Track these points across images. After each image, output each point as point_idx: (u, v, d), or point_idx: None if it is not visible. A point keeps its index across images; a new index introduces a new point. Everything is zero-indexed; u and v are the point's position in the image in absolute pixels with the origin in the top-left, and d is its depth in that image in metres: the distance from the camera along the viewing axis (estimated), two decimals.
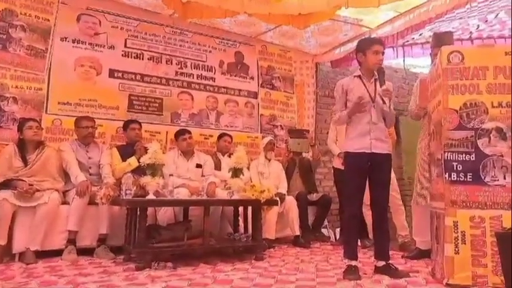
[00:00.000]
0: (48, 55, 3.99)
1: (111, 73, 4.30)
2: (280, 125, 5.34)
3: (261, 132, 5.14)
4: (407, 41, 4.94)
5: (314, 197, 4.58)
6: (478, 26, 4.73)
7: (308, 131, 4.92)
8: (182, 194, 3.54)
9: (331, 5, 3.85)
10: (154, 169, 3.19)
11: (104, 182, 3.47)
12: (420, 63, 5.99)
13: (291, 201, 4.19)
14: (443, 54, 2.43)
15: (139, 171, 3.44)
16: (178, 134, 4.04)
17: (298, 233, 4.11)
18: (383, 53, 2.65)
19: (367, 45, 2.67)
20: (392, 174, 4.15)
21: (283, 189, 4.36)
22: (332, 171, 4.51)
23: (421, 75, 3.25)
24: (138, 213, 3.02)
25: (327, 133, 4.65)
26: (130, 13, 4.45)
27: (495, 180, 2.30)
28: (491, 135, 2.32)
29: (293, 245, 4.06)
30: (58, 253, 3.17)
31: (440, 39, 3.13)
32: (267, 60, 5.35)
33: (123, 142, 4.03)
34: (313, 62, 5.67)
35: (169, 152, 4.12)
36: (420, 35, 4.76)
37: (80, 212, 3.23)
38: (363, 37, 4.49)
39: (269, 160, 4.52)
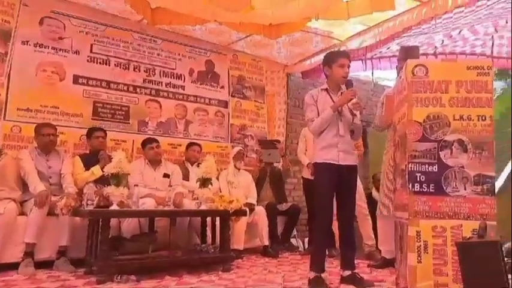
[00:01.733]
0: (8, 59, 3.84)
1: (76, 79, 4.19)
2: (251, 135, 5.36)
3: (231, 142, 5.13)
4: (376, 54, 5.09)
5: (283, 206, 4.60)
6: (443, 41, 4.95)
7: (279, 141, 4.96)
8: (148, 204, 3.48)
9: (302, 16, 3.93)
10: (118, 179, 3.12)
11: (65, 192, 3.35)
12: (388, 75, 6.19)
13: (260, 211, 4.19)
14: (408, 68, 2.50)
15: (103, 181, 3.36)
16: (146, 142, 3.98)
17: (267, 243, 4.11)
18: (349, 66, 2.72)
19: (333, 59, 2.73)
20: (359, 185, 4.24)
21: (253, 199, 4.36)
22: (302, 181, 4.55)
23: (387, 91, 3.35)
24: (101, 224, 2.93)
25: (297, 143, 4.70)
26: (97, 17, 4.37)
27: (456, 191, 2.37)
28: (453, 147, 2.39)
29: (262, 255, 4.05)
30: (14, 266, 3.02)
31: (407, 53, 3.24)
32: (238, 69, 5.37)
33: (86, 151, 3.92)
34: (284, 72, 5.73)
35: (135, 161, 4.05)
36: (388, 48, 4.92)
37: (38, 223, 3.11)
38: (333, 49, 4.62)
39: (238, 170, 4.52)
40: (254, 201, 4.34)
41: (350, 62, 2.78)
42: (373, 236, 3.98)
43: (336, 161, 2.64)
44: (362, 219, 4.05)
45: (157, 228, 3.40)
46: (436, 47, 5.09)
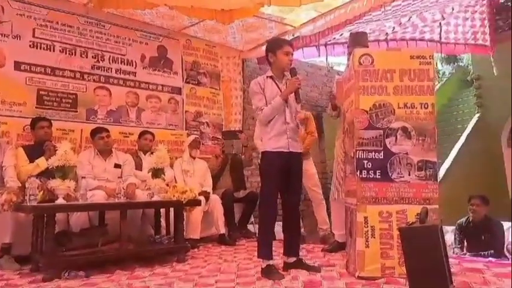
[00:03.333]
0: None
1: (17, 65, 3.89)
2: (206, 122, 5.25)
3: (186, 130, 5.01)
4: (330, 40, 5.10)
5: (241, 193, 4.57)
6: (394, 28, 5.04)
7: (241, 132, 4.90)
8: (97, 196, 3.35)
9: (254, 1, 3.83)
10: (64, 171, 2.98)
11: (6, 186, 3.14)
12: (343, 61, 6.25)
13: (215, 200, 4.14)
14: (355, 57, 2.51)
15: (48, 173, 3.17)
16: (95, 132, 3.80)
17: (223, 231, 4.08)
18: (292, 54, 2.72)
19: (278, 46, 2.71)
20: (314, 170, 4.31)
21: (208, 187, 4.30)
22: (258, 167, 4.52)
23: (337, 77, 3.36)
24: (46, 219, 2.77)
25: (254, 130, 4.67)
26: (39, 0, 4.05)
27: (401, 177, 2.43)
28: (397, 134, 2.45)
29: (218, 244, 4.01)
30: None
31: (356, 40, 3.25)
32: (192, 55, 5.21)
33: (30, 141, 3.69)
34: (239, 58, 5.64)
35: (84, 151, 3.87)
36: (341, 35, 4.94)
37: None
38: (287, 36, 4.58)
39: (194, 158, 4.43)
40: (209, 189, 4.28)
41: (293, 50, 2.77)
42: (327, 220, 4.04)
43: (286, 149, 2.65)
44: (317, 204, 4.11)
45: (108, 220, 3.28)
46: (387, 33, 5.17)
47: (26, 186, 2.90)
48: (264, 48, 5.09)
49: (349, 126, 2.68)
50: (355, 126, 2.48)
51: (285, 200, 2.73)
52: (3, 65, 3.81)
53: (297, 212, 2.77)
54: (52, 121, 3.75)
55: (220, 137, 5.24)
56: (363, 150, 2.45)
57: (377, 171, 2.43)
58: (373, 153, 2.44)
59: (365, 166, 2.44)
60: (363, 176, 2.44)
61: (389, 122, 2.45)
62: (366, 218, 2.40)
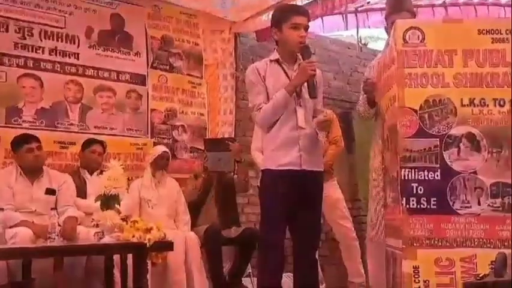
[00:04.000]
0: None
1: None
2: (182, 126, 5.27)
3: (152, 137, 5.03)
4: (362, 6, 5.14)
5: (233, 232, 4.56)
6: None
7: (234, 140, 4.88)
8: (21, 237, 3.35)
9: None
10: None
11: None
12: (381, 35, 6.29)
13: (191, 240, 4.15)
14: (397, 31, 2.52)
15: None
16: (20, 141, 3.80)
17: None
18: (307, 28, 2.76)
19: (283, 18, 2.76)
20: (339, 195, 4.33)
21: (182, 222, 4.32)
22: (258, 193, 4.53)
23: (373, 62, 3.37)
24: None
25: (252, 136, 4.68)
26: None
27: (467, 207, 2.42)
28: (461, 144, 2.45)
29: None
30: None
31: (396, 5, 3.29)
32: (162, 28, 5.25)
33: None
34: (230, 33, 5.67)
35: (1, 171, 3.91)
36: None
37: None
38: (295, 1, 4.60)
39: (158, 182, 4.47)
40: (187, 227, 4.32)
41: (309, 20, 2.81)
42: (362, 270, 4.05)
43: (297, 166, 2.68)
44: (347, 246, 4.13)
45: (37, 273, 3.21)
46: None
47: None
48: (264, 17, 5.27)
49: (389, 133, 2.68)
50: (398, 133, 2.48)
51: (296, 242, 2.76)
52: None
53: (314, 259, 2.80)
54: None
55: (202, 148, 5.25)
56: (411, 167, 2.46)
57: (432, 199, 2.43)
58: (426, 173, 2.45)
59: (414, 191, 2.44)
60: (411, 205, 2.44)
61: (449, 127, 2.46)
62: (416, 267, 2.40)
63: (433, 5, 5.20)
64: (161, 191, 4.42)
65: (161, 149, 4.60)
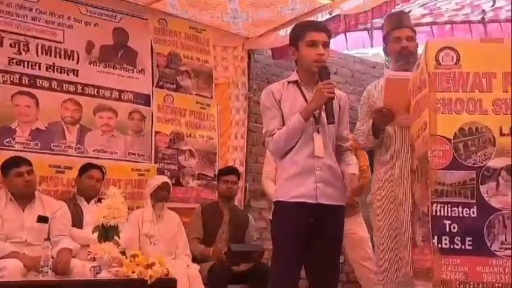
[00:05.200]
0: None
1: None
2: (190, 150, 5.31)
3: (156, 162, 5.07)
4: None
5: (242, 266, 4.56)
6: (494, 2, 5.04)
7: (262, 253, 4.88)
8: (10, 270, 3.34)
9: None
10: None
11: None
12: None
13: (194, 278, 4.14)
14: (429, 51, 2.50)
15: None
16: (9, 165, 3.87)
17: None
18: (327, 45, 2.76)
19: (299, 34, 2.78)
20: (364, 233, 4.29)
21: (184, 258, 4.36)
22: (270, 225, 4.51)
23: (388, 73, 3.35)
24: None
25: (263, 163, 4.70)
26: None
27: (506, 249, 2.38)
28: (500, 178, 2.41)
29: None
30: None
31: (397, 22, 3.32)
32: (168, 43, 5.33)
33: None
34: (244, 49, 5.74)
35: None
36: (409, 12, 5.00)
37: None
38: (317, 15, 4.63)
39: (159, 215, 4.51)
40: (186, 261, 4.35)
41: (329, 37, 2.82)
42: None
43: (312, 199, 2.66)
44: None
45: None
46: (484, 10, 5.19)
47: None
48: (281, 33, 5.30)
49: (420, 163, 2.66)
50: (429, 164, 2.46)
51: (312, 283, 2.75)
52: None
53: None
54: None
55: (211, 175, 5.26)
56: (444, 202, 2.42)
57: (467, 239, 2.38)
58: (461, 209, 2.40)
59: (447, 229, 2.40)
60: (444, 245, 2.39)
61: (487, 158, 2.42)
62: None
63: (470, 22, 5.19)
64: (161, 226, 4.45)
65: (161, 179, 4.66)
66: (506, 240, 2.39)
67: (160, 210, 4.53)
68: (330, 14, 4.81)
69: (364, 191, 4.48)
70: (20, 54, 4.52)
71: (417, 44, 3.28)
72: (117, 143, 4.90)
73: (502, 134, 2.43)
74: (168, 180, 4.70)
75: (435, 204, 2.42)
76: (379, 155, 3.31)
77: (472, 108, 2.45)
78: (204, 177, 5.34)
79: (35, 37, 4.61)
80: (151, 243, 4.30)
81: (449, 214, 2.40)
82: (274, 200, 2.86)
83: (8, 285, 3.22)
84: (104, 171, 4.42)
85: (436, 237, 2.40)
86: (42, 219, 3.80)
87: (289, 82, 2.81)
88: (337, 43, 5.17)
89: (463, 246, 2.38)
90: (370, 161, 3.93)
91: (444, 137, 2.44)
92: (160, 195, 4.53)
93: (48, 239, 3.62)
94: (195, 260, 4.51)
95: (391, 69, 3.31)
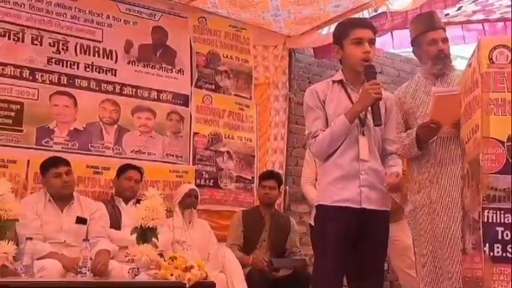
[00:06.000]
0: None
1: None
2: (228, 152, 5.34)
3: (193, 164, 5.12)
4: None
5: (281, 271, 4.59)
6: None
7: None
8: (50, 270, 3.42)
9: None
10: None
11: None
12: (461, 52, 6.21)
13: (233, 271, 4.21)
14: (482, 50, 2.48)
15: None
16: (48, 165, 3.95)
17: None
18: (372, 42, 2.74)
19: (344, 32, 2.77)
20: (409, 239, 4.24)
21: (217, 268, 4.33)
22: (310, 230, 4.52)
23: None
24: None
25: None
26: None
27: None
28: None
29: None
30: None
31: (432, 23, 3.24)
32: (208, 42, 5.37)
33: None
34: (284, 48, 5.75)
35: (29, 196, 4.04)
36: (459, 9, 4.96)
37: None
38: (361, 13, 4.62)
39: (189, 222, 4.57)
40: (220, 267, 4.34)
41: (375, 34, 2.80)
42: None
43: (356, 204, 2.65)
44: None
45: None
46: None
47: None
48: (324, 31, 5.30)
49: (470, 167, 2.63)
50: (481, 168, 2.44)
51: None
52: None
53: None
54: None
55: (250, 178, 5.29)
56: (496, 209, 2.39)
57: None
58: None
59: (499, 237, 2.37)
60: (496, 253, 2.36)
61: None
62: None
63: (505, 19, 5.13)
64: (192, 232, 4.52)
65: (188, 186, 4.72)
66: None
67: (190, 216, 4.60)
68: (376, 11, 4.79)
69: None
70: (59, 53, 4.62)
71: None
72: (155, 144, 4.97)
73: None
74: (195, 188, 4.75)
75: (487, 211, 2.40)
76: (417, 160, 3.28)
77: None
78: (242, 180, 5.38)
79: (74, 36, 4.70)
80: (183, 249, 4.33)
81: (502, 221, 2.37)
82: (315, 204, 2.85)
83: (47, 286, 3.29)
84: (142, 172, 4.49)
85: (487, 244, 2.37)
86: (81, 221, 3.88)
87: (334, 82, 2.79)
88: (383, 41, 5.15)
89: None
90: None
91: (497, 140, 2.41)
92: (188, 202, 4.59)
93: (86, 240, 3.70)
94: None
95: (426, 73, 3.26)
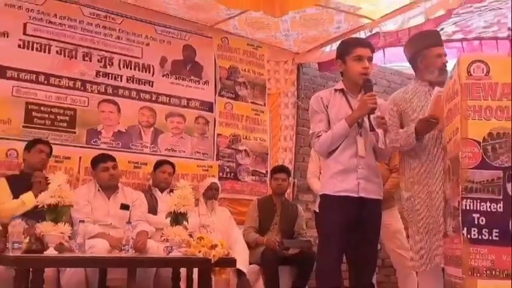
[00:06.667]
0: None
1: (2, 71, 4.21)
2: (245, 150, 5.35)
3: (217, 160, 5.14)
4: None
5: (290, 251, 4.59)
6: None
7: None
8: (99, 248, 3.47)
9: None
10: (57, 212, 3.10)
11: None
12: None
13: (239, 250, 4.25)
14: (461, 65, 2.48)
15: (36, 214, 3.33)
16: (97, 161, 3.99)
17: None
18: (370, 59, 2.77)
19: (346, 50, 2.79)
20: (399, 224, 4.24)
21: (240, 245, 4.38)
22: (314, 216, 4.52)
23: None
24: (31, 276, 2.89)
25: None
26: None
27: None
28: None
29: None
30: None
31: (436, 40, 3.22)
32: (229, 58, 5.38)
33: (15, 171, 3.93)
34: (293, 63, 5.75)
35: (82, 187, 4.07)
36: (441, 30, 4.92)
37: None
38: (361, 32, 4.62)
39: (211, 210, 4.59)
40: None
41: (373, 52, 2.82)
42: None
43: (354, 193, 2.66)
44: (405, 275, 4.03)
45: (111, 281, 3.40)
46: (509, 28, 5.07)
47: (9, 229, 3.03)
48: (327, 49, 5.30)
49: (451, 164, 2.63)
50: (460, 164, 2.43)
51: (352, 267, 2.75)
52: None
53: (370, 284, 2.78)
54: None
55: (264, 172, 5.30)
56: (473, 198, 2.39)
57: (494, 231, 2.34)
58: (488, 204, 2.37)
59: (476, 222, 2.37)
60: (473, 236, 2.36)
61: None
62: None
63: (497, 38, 5.08)
64: (215, 218, 4.53)
65: (210, 180, 4.74)
66: None
67: (212, 205, 4.60)
68: (371, 32, 4.79)
69: (397, 188, 4.44)
70: (105, 67, 4.67)
71: None
72: (184, 144, 4.99)
73: None
74: (216, 181, 4.75)
75: (465, 200, 2.40)
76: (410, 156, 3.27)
77: (500, 115, 2.41)
78: (257, 173, 5.38)
79: (118, 53, 4.75)
80: (207, 232, 4.33)
81: (478, 208, 2.37)
82: (320, 194, 2.86)
83: (97, 260, 3.31)
84: (175, 166, 4.50)
85: (465, 228, 2.37)
86: (125, 207, 3.92)
87: (336, 90, 2.81)
88: (376, 57, 5.10)
89: (490, 237, 2.35)
90: None
91: (474, 140, 2.41)
92: (210, 194, 4.60)
93: (129, 222, 3.74)
94: (248, 246, 4.53)
95: (424, 81, 3.22)
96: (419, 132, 3.07)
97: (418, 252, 3.19)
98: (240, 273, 4.08)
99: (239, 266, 3.89)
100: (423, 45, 3.25)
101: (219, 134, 5.22)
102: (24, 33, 4.34)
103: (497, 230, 2.35)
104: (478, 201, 2.38)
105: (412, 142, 3.14)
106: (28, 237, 3.05)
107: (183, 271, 3.56)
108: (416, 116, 3.10)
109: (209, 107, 5.21)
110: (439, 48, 3.14)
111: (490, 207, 2.38)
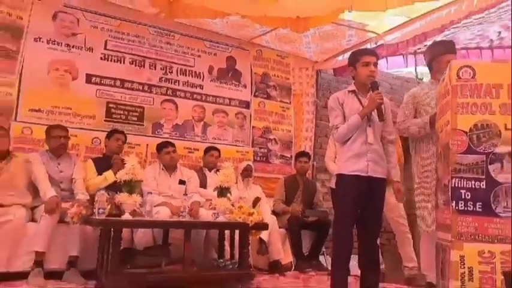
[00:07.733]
0: (20, 57, 3.95)
1: (88, 78, 4.29)
2: (274, 139, 5.35)
3: (252, 146, 5.15)
4: (420, 48, 4.97)
5: (310, 219, 4.57)
6: (500, 33, 4.75)
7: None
8: (162, 214, 3.52)
9: (332, 7, 3.87)
10: (131, 186, 3.16)
11: (76, 198, 3.41)
12: None
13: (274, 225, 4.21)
14: (452, 69, 2.43)
15: (115, 187, 3.41)
16: (161, 146, 4.03)
17: (277, 257, 4.13)
18: (376, 65, 2.71)
19: (356, 58, 2.73)
20: (395, 200, 4.16)
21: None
22: (330, 191, 4.49)
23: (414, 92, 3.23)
24: (112, 235, 2.95)
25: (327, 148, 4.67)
26: (112, 11, 4.46)
27: (507, 211, 2.28)
28: (504, 160, 2.31)
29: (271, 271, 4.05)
30: (23, 276, 3.08)
31: (451, 48, 3.15)
32: (262, 66, 5.38)
33: (98, 154, 4.01)
34: (313, 70, 5.70)
35: (149, 166, 4.12)
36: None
37: (48, 231, 3.15)
38: (369, 44, 4.54)
39: (247, 186, 4.59)
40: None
41: (378, 59, 2.76)
42: (414, 257, 3.88)
43: (364, 173, 2.61)
44: (402, 238, 3.97)
45: (172, 240, 3.43)
46: (491, 40, 4.90)
47: (95, 199, 3.10)
48: (340, 58, 5.22)
49: (443, 150, 2.58)
50: (450, 150, 2.38)
51: (361, 232, 2.70)
52: (76, 78, 4.23)
53: (376, 245, 2.73)
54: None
55: (289, 156, 5.29)
56: (461, 177, 2.35)
57: (477, 203, 2.30)
58: (473, 182, 2.32)
59: (462, 196, 2.33)
60: (460, 208, 2.33)
61: (494, 146, 2.32)
62: (462, 257, 2.28)
63: (480, 48, 4.93)
64: (249, 191, 4.54)
65: (246, 163, 4.73)
66: (506, 205, 2.30)
67: (247, 183, 4.60)
68: (376, 44, 4.69)
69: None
70: (166, 74, 4.72)
71: None
72: (227, 134, 5.03)
73: (506, 129, 2.34)
74: (251, 164, 4.74)
75: (454, 179, 2.36)
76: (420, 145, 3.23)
77: (483, 110, 2.37)
78: (284, 157, 5.37)
79: (176, 63, 4.79)
80: (244, 202, 4.34)
81: (465, 186, 2.34)
82: (336, 173, 2.82)
83: (161, 223, 3.40)
84: (220, 151, 4.53)
85: (454, 201, 2.35)
86: (182, 182, 3.96)
87: (349, 91, 2.77)
88: (380, 64, 5.01)
89: (474, 209, 2.32)
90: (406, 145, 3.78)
91: (462, 131, 2.37)
92: (245, 174, 4.59)
93: (185, 194, 3.80)
94: (275, 214, 4.53)
95: (435, 80, 3.16)
96: (432, 122, 3.01)
97: (424, 218, 3.14)
98: (261, 240, 4.07)
99: (261, 235, 3.88)
100: (438, 52, 3.19)
101: (254, 127, 5.23)
102: (105, 48, 4.43)
103: (480, 203, 2.32)
104: (465, 180, 2.34)
105: (427, 130, 3.09)
106: (109, 205, 3.11)
107: (227, 232, 3.61)
108: (428, 106, 3.11)
109: (246, 105, 5.22)
110: (451, 55, 3.07)
111: (474, 184, 2.34)
